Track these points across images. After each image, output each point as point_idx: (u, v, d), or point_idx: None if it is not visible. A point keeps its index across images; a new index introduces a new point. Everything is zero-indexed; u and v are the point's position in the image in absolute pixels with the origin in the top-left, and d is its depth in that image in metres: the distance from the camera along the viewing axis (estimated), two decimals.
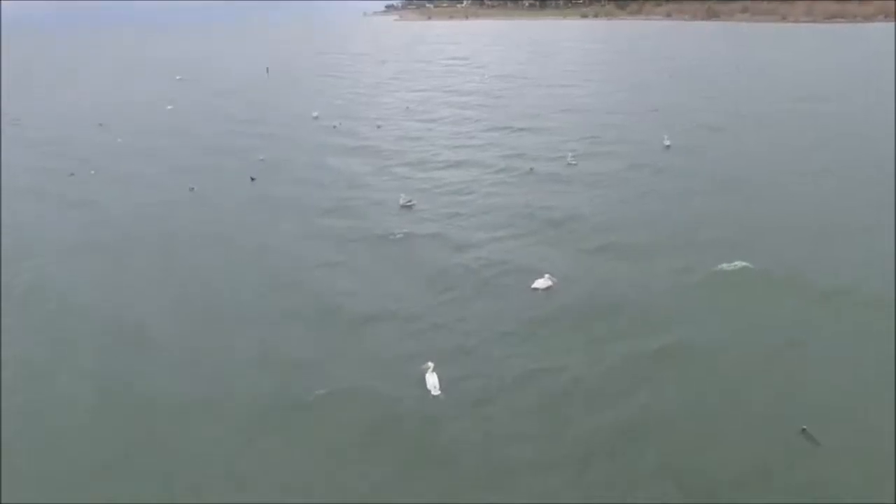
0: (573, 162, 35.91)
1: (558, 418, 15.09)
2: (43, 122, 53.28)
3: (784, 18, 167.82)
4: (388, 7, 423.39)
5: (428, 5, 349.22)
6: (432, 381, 15.88)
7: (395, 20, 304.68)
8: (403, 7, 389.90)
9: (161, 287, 22.96)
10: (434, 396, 15.69)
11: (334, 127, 48.14)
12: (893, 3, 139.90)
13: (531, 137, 43.51)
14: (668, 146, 38.35)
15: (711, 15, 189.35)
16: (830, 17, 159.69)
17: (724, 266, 21.99)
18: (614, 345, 17.89)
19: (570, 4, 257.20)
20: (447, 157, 39.16)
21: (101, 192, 34.38)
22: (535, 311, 20.01)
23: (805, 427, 14.00)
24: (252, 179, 34.72)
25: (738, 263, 22.02)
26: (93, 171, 37.31)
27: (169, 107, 57.05)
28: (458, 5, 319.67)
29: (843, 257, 22.65)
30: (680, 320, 19.12)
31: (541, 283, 21.06)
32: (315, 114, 52.15)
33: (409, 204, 29.33)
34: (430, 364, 16.16)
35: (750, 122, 44.51)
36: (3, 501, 10.39)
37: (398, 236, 26.56)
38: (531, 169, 34.89)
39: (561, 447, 14.19)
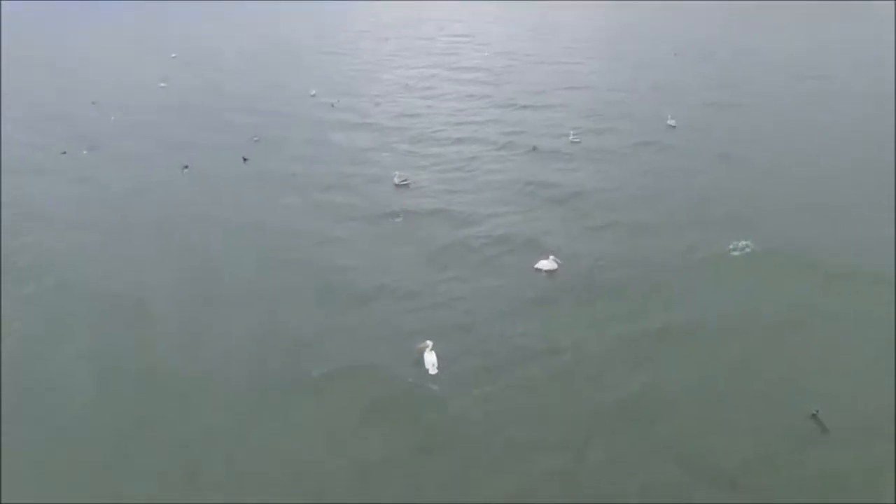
0: (576, 140, 35.27)
1: (559, 397, 14.90)
2: (36, 99, 52.39)
3: None
4: None
5: None
6: (431, 359, 15.64)
7: None
8: None
9: (159, 264, 22.65)
10: (432, 375, 15.44)
11: (332, 105, 47.39)
12: None
13: (533, 114, 42.74)
14: (672, 126, 37.62)
15: None
16: None
17: (730, 245, 21.60)
18: (617, 324, 17.63)
19: None
20: (448, 134, 38.45)
21: (95, 169, 33.84)
22: (537, 290, 19.71)
23: (816, 411, 13.66)
24: (244, 160, 34.07)
25: (744, 242, 21.64)
26: (85, 152, 36.63)
27: (162, 84, 56.06)
28: None
29: (851, 237, 22.22)
30: (684, 300, 18.82)
31: (545, 264, 20.59)
32: (313, 92, 51.23)
33: (404, 183, 28.75)
34: (429, 343, 15.87)
35: (756, 100, 43.72)
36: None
37: (397, 213, 26.13)
38: (534, 147, 34.19)
39: (561, 426, 14.01)
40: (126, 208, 27.99)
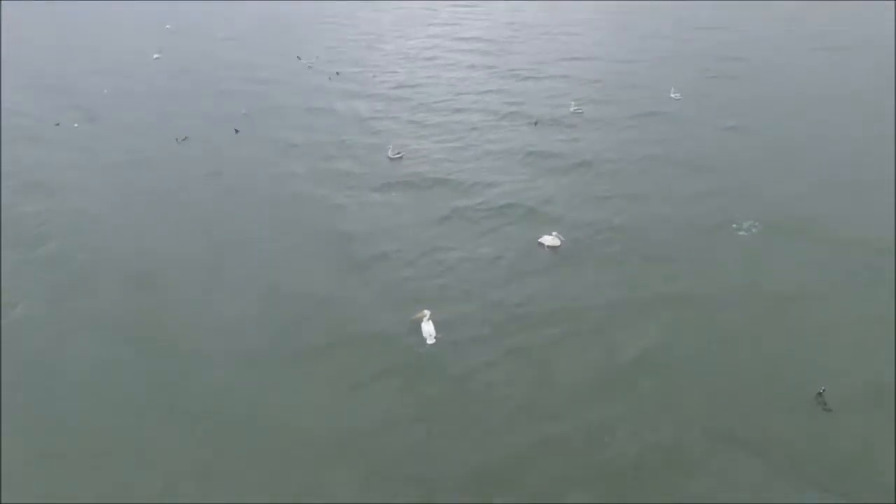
0: (578, 110, 34.63)
1: (557, 364, 14.78)
2: (34, 69, 51.53)
3: None
4: None
5: None
6: (428, 329, 15.55)
7: None
8: None
9: (163, 230, 22.48)
10: (430, 344, 15.30)
11: (330, 78, 46.78)
12: None
13: (536, 85, 42.09)
14: (676, 98, 36.95)
15: None
16: None
17: (734, 224, 21.21)
18: (616, 292, 17.46)
19: None
20: (449, 104, 37.84)
21: (92, 140, 33.37)
22: (538, 261, 19.45)
23: (822, 390, 13.47)
24: (236, 131, 33.53)
25: (749, 222, 21.29)
26: (76, 125, 36.02)
27: (156, 55, 55.01)
28: None
29: (856, 209, 21.94)
30: (685, 271, 18.50)
31: (548, 240, 20.23)
32: (310, 62, 50.22)
33: (397, 156, 28.28)
34: (427, 312, 15.74)
35: (764, 72, 42.84)
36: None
37: (397, 183, 25.74)
38: (536, 122, 33.47)
39: (560, 392, 13.93)
40: (125, 178, 27.69)
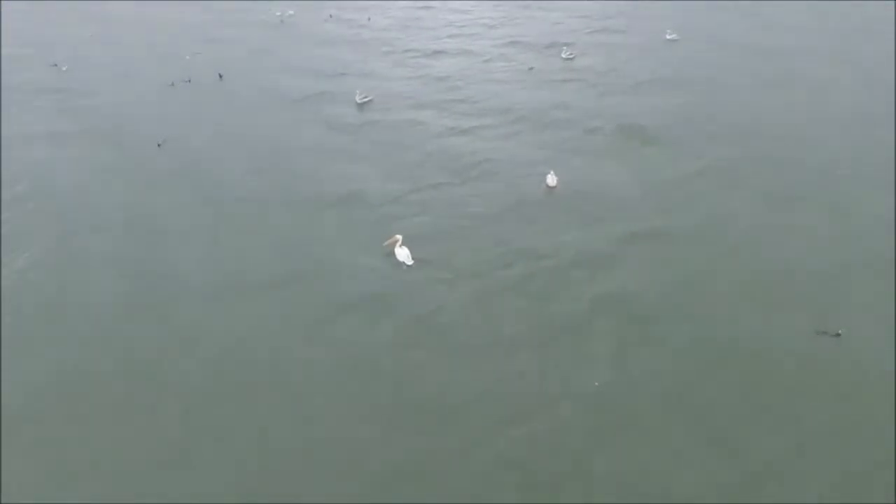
0: (569, 56, 33.89)
1: (543, 296, 14.50)
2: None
3: None
4: None
5: None
6: (403, 252, 15.29)
7: None
8: None
9: (161, 177, 21.53)
10: (408, 267, 15.19)
11: (330, 16, 46.01)
12: None
13: (527, 25, 41.33)
14: (672, 39, 36.10)
15: None
16: None
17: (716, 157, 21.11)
18: (607, 230, 17.14)
19: None
20: (437, 47, 37.12)
21: (84, 83, 32.32)
22: (526, 200, 19.01)
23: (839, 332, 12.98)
24: (220, 76, 32.41)
25: (732, 155, 21.14)
26: (65, 68, 34.65)
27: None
28: None
29: (860, 143, 21.76)
30: (667, 210, 18.22)
31: (550, 179, 19.32)
32: (290, 12, 48.44)
33: (365, 100, 27.39)
34: (398, 237, 15.51)
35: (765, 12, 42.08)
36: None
37: (381, 123, 25.46)
38: (531, 68, 32.30)
39: (545, 322, 13.67)
40: (117, 121, 26.78)
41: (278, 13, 47.28)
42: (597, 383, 11.92)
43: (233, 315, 14.21)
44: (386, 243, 15.65)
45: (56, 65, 35.21)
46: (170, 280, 15.59)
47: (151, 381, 12.47)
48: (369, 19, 45.76)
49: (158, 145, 23.61)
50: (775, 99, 26.78)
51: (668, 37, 36.51)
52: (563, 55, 33.83)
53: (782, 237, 16.38)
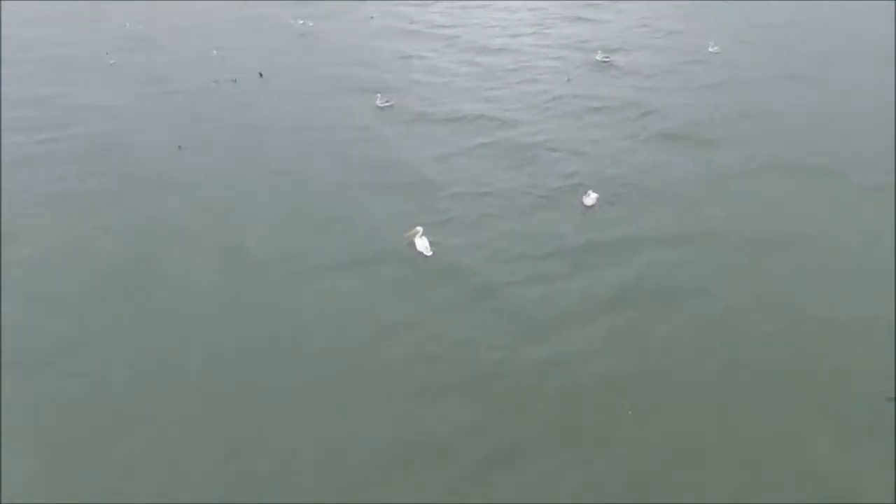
0: (605, 59, 33.97)
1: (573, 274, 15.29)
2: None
3: None
4: None
5: None
6: (423, 243, 16.05)
7: None
8: None
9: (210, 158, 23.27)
10: (428, 256, 15.96)
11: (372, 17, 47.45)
12: None
13: (565, 29, 41.59)
14: (714, 52, 34.92)
15: None
16: None
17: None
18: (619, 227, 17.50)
19: None
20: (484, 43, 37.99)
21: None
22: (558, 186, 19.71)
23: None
24: (260, 75, 33.09)
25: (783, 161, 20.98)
26: (112, 61, 36.65)
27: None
28: None
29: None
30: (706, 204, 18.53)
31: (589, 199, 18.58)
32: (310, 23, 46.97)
33: (387, 105, 27.66)
34: (419, 228, 16.27)
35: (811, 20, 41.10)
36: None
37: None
38: (568, 79, 31.52)
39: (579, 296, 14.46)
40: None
41: (301, 22, 45.35)
42: None
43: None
44: (407, 234, 16.37)
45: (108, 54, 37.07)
46: None
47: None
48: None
49: (179, 147, 23.88)
50: None
51: (710, 49, 35.30)
52: (598, 57, 33.81)
53: None
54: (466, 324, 13.79)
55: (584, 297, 14.45)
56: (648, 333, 13.34)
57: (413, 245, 16.23)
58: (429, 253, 15.99)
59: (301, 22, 45.82)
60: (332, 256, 16.33)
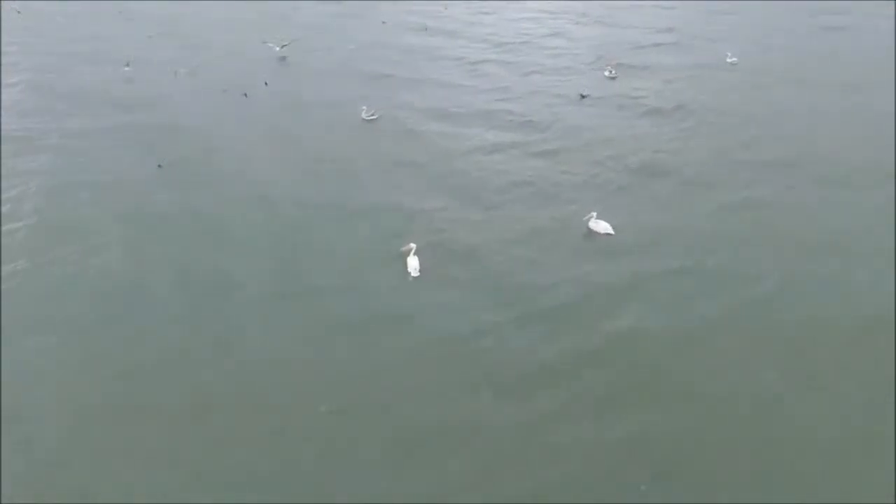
0: (612, 75, 33.85)
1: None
2: None
3: None
4: None
5: None
6: (413, 263, 16.26)
7: None
8: None
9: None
10: (414, 278, 16.14)
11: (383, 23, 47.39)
12: None
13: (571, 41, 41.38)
14: (732, 62, 34.53)
15: None
16: None
17: None
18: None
19: None
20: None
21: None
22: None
23: None
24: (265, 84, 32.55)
25: None
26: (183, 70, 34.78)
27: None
28: None
29: None
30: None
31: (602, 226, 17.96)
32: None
33: (372, 118, 27.50)
34: (413, 245, 16.54)
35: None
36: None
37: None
38: (582, 96, 30.79)
39: None
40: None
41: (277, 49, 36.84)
42: None
43: None
44: (403, 249, 16.63)
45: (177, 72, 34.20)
46: None
47: None
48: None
49: (159, 166, 22.77)
50: None
51: (728, 60, 34.90)
52: (607, 74, 33.44)
53: None
54: None
55: None
56: None
57: (405, 262, 16.52)
58: (416, 274, 16.22)
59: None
60: None
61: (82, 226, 18.74)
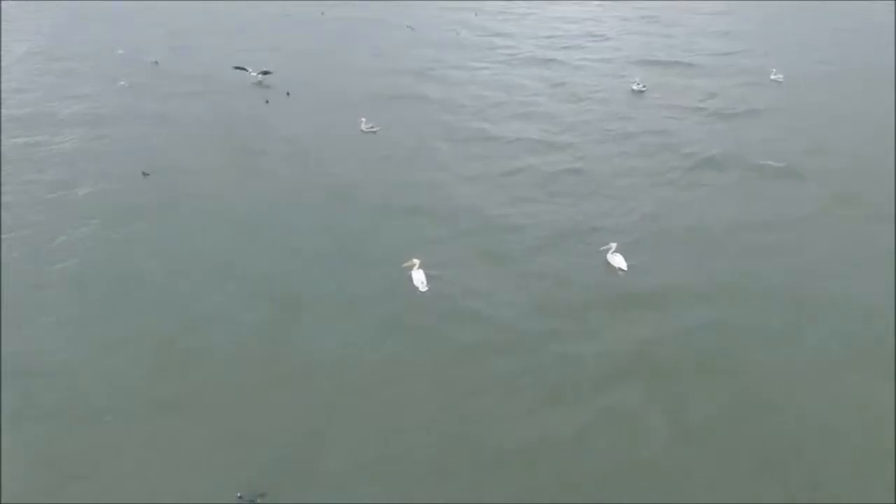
0: (641, 88, 32.90)
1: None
2: None
3: None
4: None
5: None
6: (419, 277, 15.58)
7: None
8: None
9: None
10: (423, 292, 15.53)
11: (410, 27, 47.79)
12: None
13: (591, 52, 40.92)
14: (777, 81, 33.29)
15: None
16: None
17: None
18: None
19: None
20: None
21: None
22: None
23: None
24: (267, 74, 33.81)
25: None
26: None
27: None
28: None
29: None
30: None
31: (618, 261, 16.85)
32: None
33: (371, 130, 27.08)
34: (416, 261, 15.81)
35: None
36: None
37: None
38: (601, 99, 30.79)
39: None
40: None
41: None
42: None
43: None
44: (405, 265, 15.93)
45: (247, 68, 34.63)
46: None
47: None
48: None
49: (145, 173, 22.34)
50: None
51: (772, 77, 33.63)
52: (635, 87, 32.61)
53: None
54: None
55: None
56: None
57: (410, 278, 15.85)
58: (424, 288, 15.63)
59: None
60: None
61: None
